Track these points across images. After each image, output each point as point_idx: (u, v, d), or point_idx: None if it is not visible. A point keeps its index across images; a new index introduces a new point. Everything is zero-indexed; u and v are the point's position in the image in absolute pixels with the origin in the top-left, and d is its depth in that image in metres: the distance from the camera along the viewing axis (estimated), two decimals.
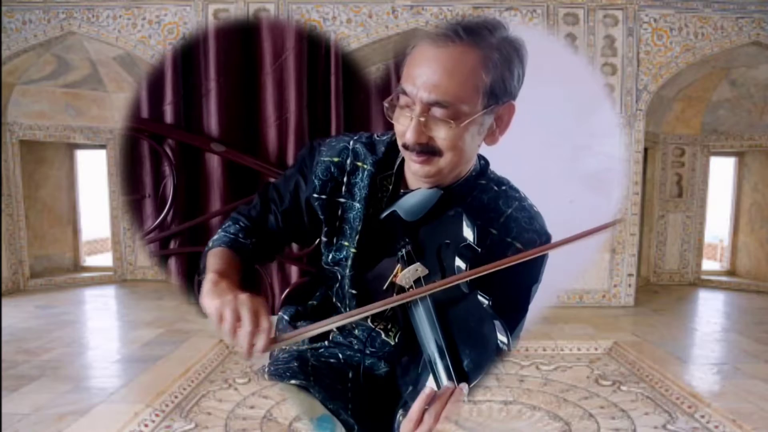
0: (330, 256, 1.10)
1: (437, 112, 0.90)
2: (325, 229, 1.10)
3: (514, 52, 0.93)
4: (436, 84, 0.88)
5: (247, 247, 1.09)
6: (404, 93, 0.92)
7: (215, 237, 1.11)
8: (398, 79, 0.97)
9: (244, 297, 0.87)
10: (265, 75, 3.61)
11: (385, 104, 0.97)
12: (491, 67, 0.90)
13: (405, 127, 0.93)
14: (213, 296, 0.89)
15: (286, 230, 1.14)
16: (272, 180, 1.21)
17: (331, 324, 0.89)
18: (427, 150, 0.93)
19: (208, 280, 0.94)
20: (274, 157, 3.65)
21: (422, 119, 0.90)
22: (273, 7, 4.41)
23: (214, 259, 1.04)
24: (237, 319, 0.83)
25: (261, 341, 0.83)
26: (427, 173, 0.96)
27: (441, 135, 0.91)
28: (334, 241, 1.09)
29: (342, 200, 1.08)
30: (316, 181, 1.08)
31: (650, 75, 4.52)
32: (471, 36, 0.89)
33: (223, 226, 1.14)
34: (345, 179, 1.07)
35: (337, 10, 4.43)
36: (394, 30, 4.43)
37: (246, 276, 1.05)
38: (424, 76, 0.89)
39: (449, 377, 0.83)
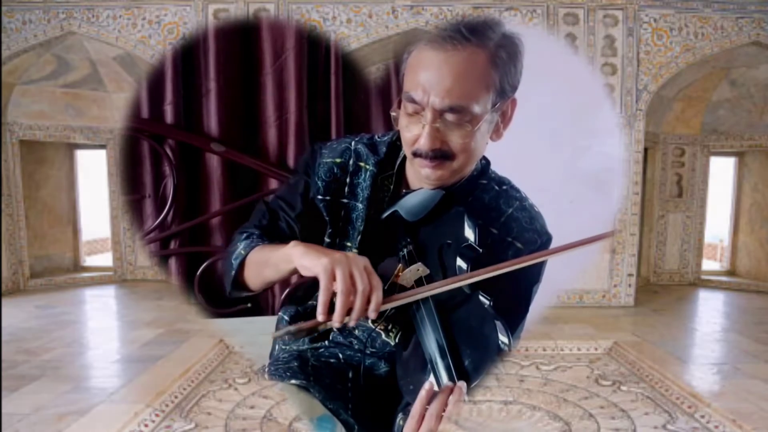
0: None
1: (450, 116, 0.88)
2: (330, 230, 1.09)
3: (515, 47, 0.93)
4: (449, 89, 0.87)
5: None
6: (411, 101, 0.90)
7: (238, 250, 1.05)
8: (398, 79, 0.96)
9: (353, 255, 0.86)
10: (265, 75, 3.60)
11: (393, 114, 0.96)
12: (500, 64, 0.90)
13: (415, 135, 0.92)
14: (317, 255, 0.86)
15: (299, 233, 1.12)
16: (265, 199, 1.18)
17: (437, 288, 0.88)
18: (440, 155, 0.92)
19: (294, 245, 0.91)
20: (274, 157, 3.65)
21: (436, 125, 0.89)
22: (273, 7, 4.40)
23: (264, 250, 1.01)
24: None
25: (376, 298, 0.82)
26: (440, 177, 0.95)
27: (455, 139, 0.90)
28: (337, 242, 1.09)
29: (345, 201, 1.08)
30: (319, 183, 1.08)
31: (650, 75, 4.52)
32: (476, 36, 0.88)
33: (239, 238, 1.09)
34: (348, 180, 1.07)
35: (337, 10, 4.43)
36: (394, 30, 4.43)
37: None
38: (434, 82, 0.87)
39: (450, 377, 0.83)
